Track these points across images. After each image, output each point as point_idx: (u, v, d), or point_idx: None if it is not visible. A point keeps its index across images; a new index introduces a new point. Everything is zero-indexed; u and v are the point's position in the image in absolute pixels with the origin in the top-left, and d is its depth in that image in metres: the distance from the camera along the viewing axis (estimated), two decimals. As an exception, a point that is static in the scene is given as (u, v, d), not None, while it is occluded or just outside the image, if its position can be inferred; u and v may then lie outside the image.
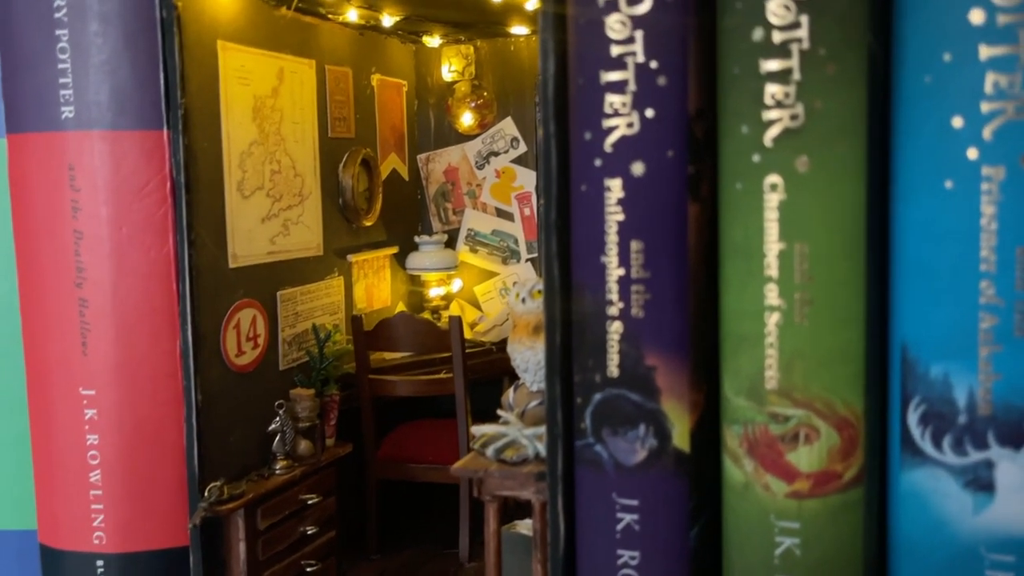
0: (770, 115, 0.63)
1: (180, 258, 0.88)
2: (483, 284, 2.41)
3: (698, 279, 0.69)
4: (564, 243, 0.73)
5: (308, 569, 1.77)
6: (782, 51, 0.62)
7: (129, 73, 0.88)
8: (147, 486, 0.91)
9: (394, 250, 2.13)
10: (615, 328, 0.70)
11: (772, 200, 0.63)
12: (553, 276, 0.74)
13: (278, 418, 1.37)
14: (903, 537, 0.64)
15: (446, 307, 2.33)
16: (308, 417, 1.40)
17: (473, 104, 2.25)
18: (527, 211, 2.33)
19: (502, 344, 2.25)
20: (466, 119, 2.28)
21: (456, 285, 2.39)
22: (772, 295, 0.64)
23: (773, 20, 0.62)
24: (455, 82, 2.27)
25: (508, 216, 2.36)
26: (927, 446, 0.61)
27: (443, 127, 2.36)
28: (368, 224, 1.81)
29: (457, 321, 1.85)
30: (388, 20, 1.95)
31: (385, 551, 2.41)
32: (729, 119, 0.65)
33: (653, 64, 0.67)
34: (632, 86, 0.67)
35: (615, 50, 0.67)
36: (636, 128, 0.67)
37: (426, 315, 2.29)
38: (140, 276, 0.89)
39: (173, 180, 0.88)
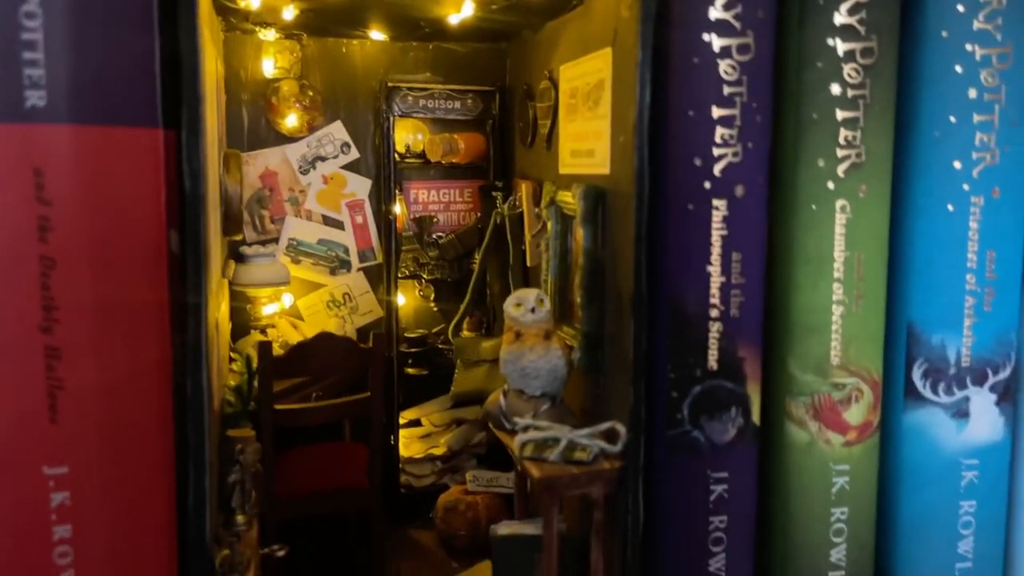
0: (843, 152, 0.81)
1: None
2: (307, 297, 2.06)
3: (769, 281, 0.84)
4: (653, 256, 0.81)
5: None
6: (853, 104, 0.80)
7: (123, 48, 0.66)
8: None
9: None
10: (716, 328, 0.81)
11: (841, 219, 0.82)
12: (642, 286, 0.82)
13: (237, 466, 1.04)
14: (905, 460, 0.88)
15: (274, 326, 1.94)
16: (253, 462, 1.10)
17: (300, 105, 1.90)
18: (359, 219, 2.05)
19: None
20: (291, 120, 1.91)
21: (288, 300, 2.00)
22: (838, 292, 0.82)
23: (848, 79, 0.80)
24: (277, 80, 1.88)
25: (337, 224, 2.05)
26: (927, 392, 0.86)
27: (259, 127, 1.94)
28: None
29: (381, 339, 1.62)
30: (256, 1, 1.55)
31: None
32: (806, 154, 0.81)
33: (754, 104, 0.79)
34: (739, 121, 0.79)
35: (727, 90, 0.78)
36: (740, 157, 0.79)
37: (256, 335, 1.89)
38: (131, 319, 0.68)
39: (180, 193, 0.69)
